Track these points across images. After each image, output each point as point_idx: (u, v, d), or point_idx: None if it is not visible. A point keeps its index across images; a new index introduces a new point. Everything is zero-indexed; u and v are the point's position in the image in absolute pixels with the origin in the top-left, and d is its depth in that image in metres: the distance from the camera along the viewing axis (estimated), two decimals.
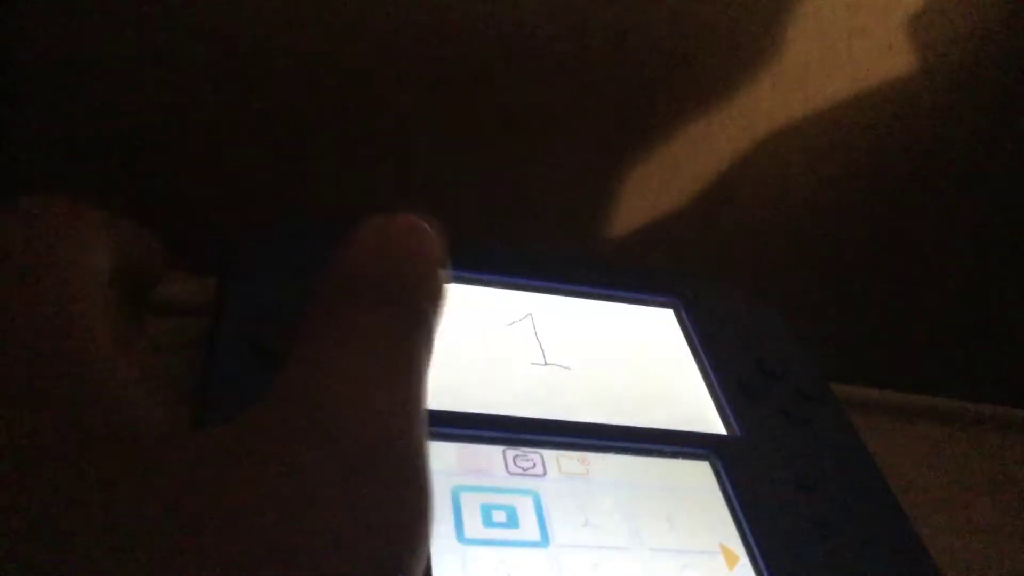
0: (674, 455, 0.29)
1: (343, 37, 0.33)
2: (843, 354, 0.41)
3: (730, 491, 0.28)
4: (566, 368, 0.31)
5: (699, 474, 0.29)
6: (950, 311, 0.44)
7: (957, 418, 0.42)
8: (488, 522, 0.25)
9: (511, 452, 0.27)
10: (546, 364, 0.31)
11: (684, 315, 0.35)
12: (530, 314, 0.33)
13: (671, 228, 0.40)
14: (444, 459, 0.26)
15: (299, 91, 0.35)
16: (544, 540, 0.25)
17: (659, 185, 0.38)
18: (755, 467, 0.29)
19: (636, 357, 0.33)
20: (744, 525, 0.27)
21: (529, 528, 0.25)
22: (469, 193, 0.39)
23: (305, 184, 0.37)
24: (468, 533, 0.24)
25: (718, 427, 0.31)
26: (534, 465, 0.27)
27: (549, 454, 0.27)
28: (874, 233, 0.41)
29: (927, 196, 0.40)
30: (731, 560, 0.26)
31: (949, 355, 0.45)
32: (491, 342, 0.31)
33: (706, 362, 0.33)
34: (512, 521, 0.25)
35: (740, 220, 0.40)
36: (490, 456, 0.27)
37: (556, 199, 0.39)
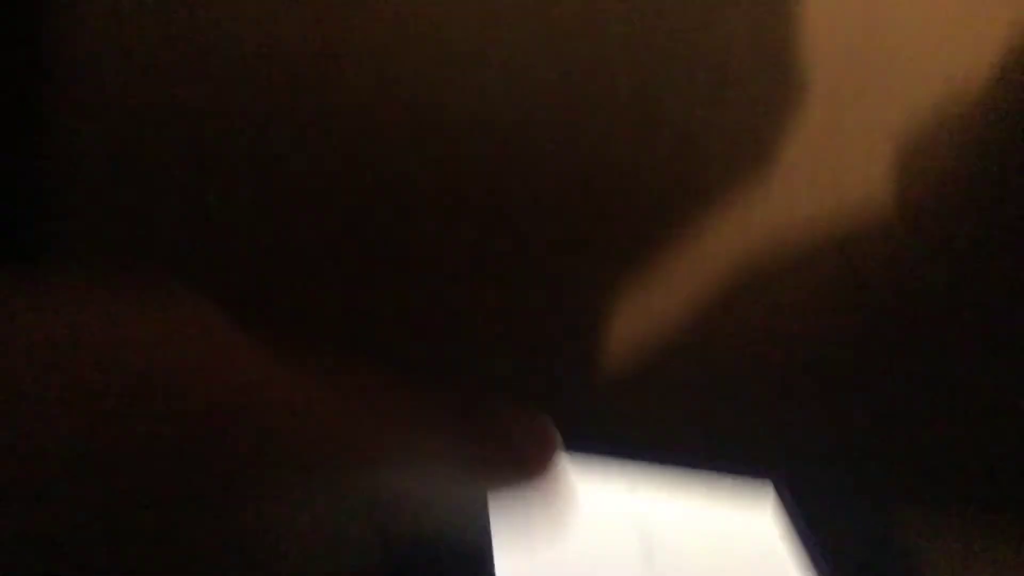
0: None
1: (349, 175, 0.35)
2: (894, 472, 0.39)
3: None
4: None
5: None
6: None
7: None
8: None
9: None
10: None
11: (782, 494, 0.33)
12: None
13: (672, 347, 0.39)
14: None
15: (300, 226, 0.36)
16: None
17: (659, 306, 0.39)
18: None
19: (726, 538, 0.31)
20: None
21: None
22: (472, 321, 0.39)
23: (304, 321, 0.38)
24: None
25: None
26: None
27: None
28: (890, 340, 0.40)
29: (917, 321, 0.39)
30: None
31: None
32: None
33: (805, 549, 0.31)
34: None
35: (742, 339, 0.40)
36: None
37: (561, 321, 0.39)
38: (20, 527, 0.13)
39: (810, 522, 0.31)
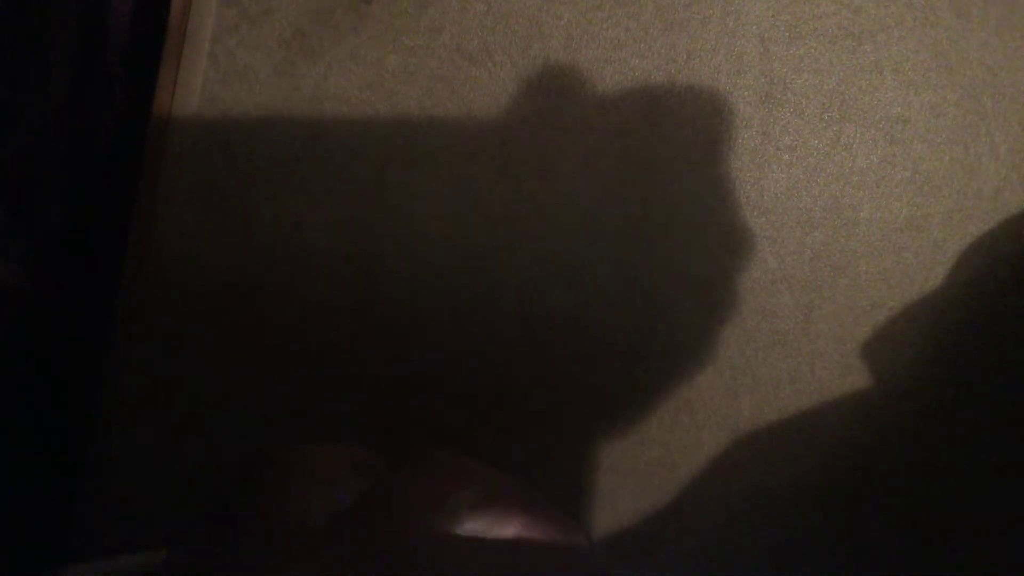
0: None
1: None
2: None
3: None
4: None
5: None
6: None
7: None
8: None
9: None
10: None
11: None
12: None
13: (669, 520, 0.42)
14: None
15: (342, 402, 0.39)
16: None
17: (658, 483, 0.41)
18: None
19: None
20: None
21: None
22: None
23: None
24: None
25: None
26: None
27: None
28: (845, 526, 0.42)
29: (875, 508, 0.42)
30: None
31: None
32: None
33: None
34: None
35: (732, 511, 0.42)
36: None
37: (561, 495, 0.41)
38: None
39: None
